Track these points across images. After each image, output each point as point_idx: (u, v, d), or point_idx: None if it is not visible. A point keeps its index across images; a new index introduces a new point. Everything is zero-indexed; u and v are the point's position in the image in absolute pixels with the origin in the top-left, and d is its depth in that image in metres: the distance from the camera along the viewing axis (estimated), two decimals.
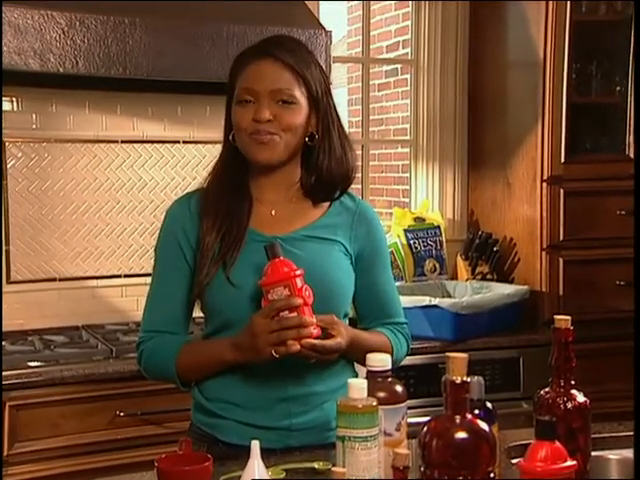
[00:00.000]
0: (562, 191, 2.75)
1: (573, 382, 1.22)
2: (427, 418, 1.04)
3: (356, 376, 1.46)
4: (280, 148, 1.43)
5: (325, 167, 1.47)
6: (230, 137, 1.46)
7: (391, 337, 1.50)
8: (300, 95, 1.43)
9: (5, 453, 2.02)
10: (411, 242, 2.92)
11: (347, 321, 1.50)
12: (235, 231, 1.43)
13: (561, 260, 2.76)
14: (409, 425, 1.22)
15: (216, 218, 1.44)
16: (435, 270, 2.94)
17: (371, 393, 1.14)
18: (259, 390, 1.42)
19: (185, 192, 1.55)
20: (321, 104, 1.46)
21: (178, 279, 1.46)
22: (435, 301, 2.50)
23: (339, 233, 1.49)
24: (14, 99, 2.49)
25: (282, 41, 1.47)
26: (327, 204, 1.52)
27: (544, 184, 2.76)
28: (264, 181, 1.48)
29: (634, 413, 1.24)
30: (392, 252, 2.90)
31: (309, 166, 1.49)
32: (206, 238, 1.43)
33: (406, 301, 2.42)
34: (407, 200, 3.29)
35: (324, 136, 1.46)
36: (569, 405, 1.20)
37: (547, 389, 1.22)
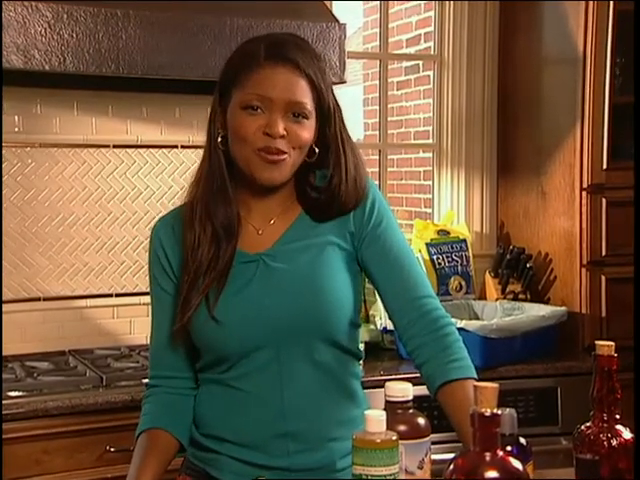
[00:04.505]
0: (604, 201, 2.74)
1: (618, 416, 1.21)
2: (453, 455, 1.03)
3: (368, 407, 1.46)
4: (287, 169, 1.42)
5: (339, 187, 1.45)
6: (219, 139, 1.44)
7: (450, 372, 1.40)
8: (312, 109, 1.42)
9: None
10: (434, 257, 2.92)
11: (359, 332, 1.51)
12: (222, 259, 1.42)
13: (603, 278, 2.75)
14: (433, 462, 1.22)
15: (202, 240, 1.43)
16: (461, 289, 2.94)
17: (390, 426, 1.14)
18: (255, 424, 1.42)
19: (170, 210, 1.55)
20: (333, 117, 1.45)
21: (171, 305, 1.48)
22: (461, 323, 2.49)
23: (326, 227, 1.47)
24: None
25: (297, 44, 1.44)
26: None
27: (584, 193, 2.75)
28: (252, 199, 1.47)
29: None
30: None
31: (315, 182, 1.47)
32: (192, 263, 1.43)
33: None
34: (429, 211, 3.29)
35: (338, 153, 1.45)
36: (614, 442, 1.19)
37: (588, 424, 1.22)
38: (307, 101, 1.41)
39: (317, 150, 1.45)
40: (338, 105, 1.48)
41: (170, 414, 1.48)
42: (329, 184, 1.46)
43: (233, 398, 1.44)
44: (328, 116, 1.45)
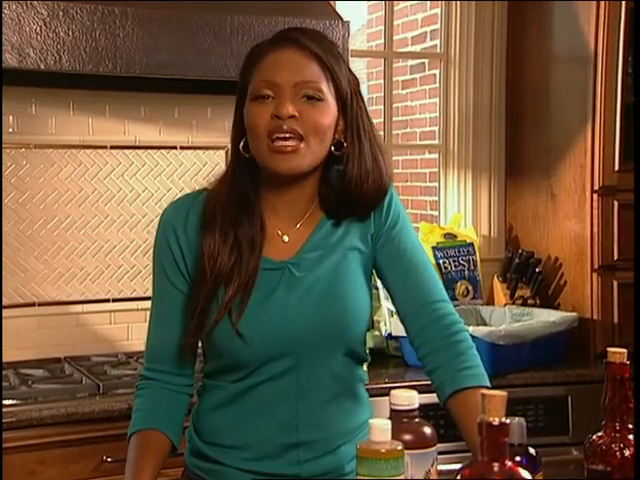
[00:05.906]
0: (616, 203, 2.74)
1: (630, 426, 1.20)
2: (460, 465, 1.03)
3: (371, 410, 1.47)
4: (306, 158, 1.38)
5: (355, 182, 1.42)
6: (240, 146, 1.42)
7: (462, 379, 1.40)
8: (327, 92, 1.39)
9: None
10: (440, 262, 2.92)
11: (365, 338, 1.51)
12: (245, 270, 1.40)
13: (615, 283, 2.75)
14: (440, 473, 1.22)
15: (222, 250, 1.40)
16: (468, 294, 2.94)
17: (396, 435, 1.14)
18: (266, 434, 1.42)
19: (181, 197, 1.52)
20: (350, 106, 1.42)
21: (176, 297, 1.46)
22: (469, 330, 2.49)
23: (348, 231, 1.47)
24: None
25: (306, 30, 1.45)
26: None
27: (595, 195, 2.75)
28: (278, 200, 1.45)
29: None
30: None
31: (333, 180, 1.45)
32: (210, 273, 1.40)
33: None
34: (436, 213, 3.29)
35: (353, 144, 1.43)
36: (626, 453, 1.18)
37: (600, 433, 1.21)
38: (318, 80, 1.38)
39: (345, 143, 1.42)
40: (359, 93, 1.45)
41: (164, 412, 1.46)
42: (342, 179, 1.44)
43: (246, 406, 1.43)
44: (345, 100, 1.42)
